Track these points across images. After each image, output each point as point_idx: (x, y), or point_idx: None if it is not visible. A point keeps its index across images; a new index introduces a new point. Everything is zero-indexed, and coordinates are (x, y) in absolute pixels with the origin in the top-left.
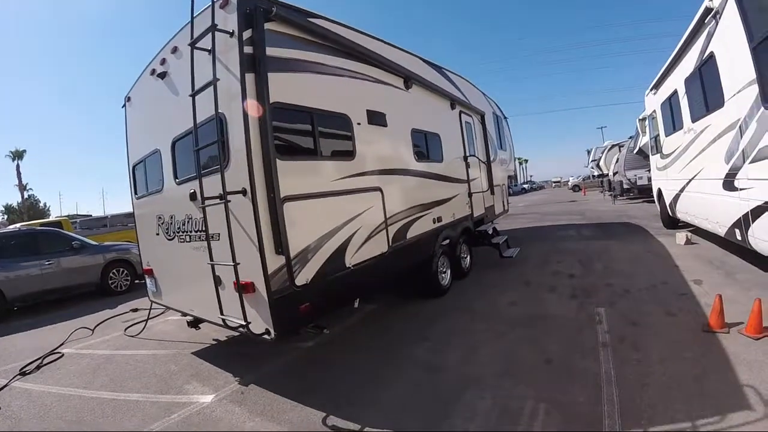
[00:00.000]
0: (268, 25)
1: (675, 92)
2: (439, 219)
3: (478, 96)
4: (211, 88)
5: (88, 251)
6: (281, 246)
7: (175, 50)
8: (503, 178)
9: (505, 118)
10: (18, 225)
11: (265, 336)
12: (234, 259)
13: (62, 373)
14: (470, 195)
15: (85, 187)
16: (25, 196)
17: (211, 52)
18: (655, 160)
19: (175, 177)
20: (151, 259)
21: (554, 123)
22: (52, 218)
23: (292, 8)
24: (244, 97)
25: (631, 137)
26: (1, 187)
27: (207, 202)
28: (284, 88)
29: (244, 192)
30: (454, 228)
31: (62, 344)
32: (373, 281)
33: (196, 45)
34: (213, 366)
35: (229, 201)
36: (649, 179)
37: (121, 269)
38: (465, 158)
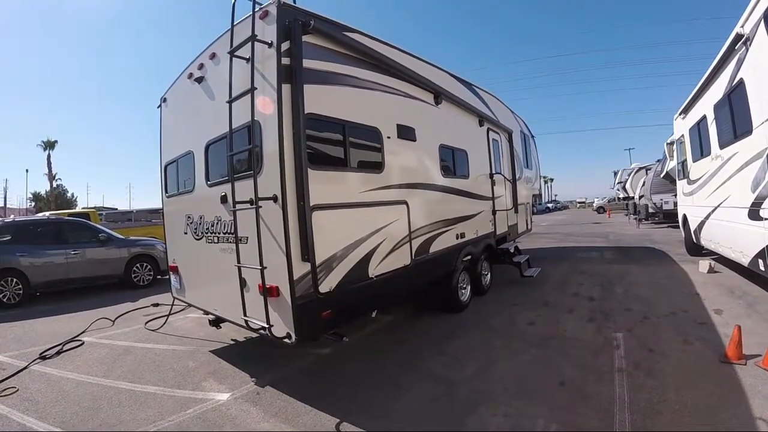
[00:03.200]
0: (305, 38)
1: (704, 118)
2: (462, 235)
3: (506, 113)
4: (248, 96)
5: (113, 244)
6: (308, 253)
7: (213, 56)
8: (528, 197)
9: (533, 136)
10: (47, 213)
11: (286, 340)
12: (261, 263)
13: (82, 360)
14: (494, 212)
15: (112, 181)
16: (54, 185)
17: (250, 61)
18: (681, 185)
19: (207, 179)
20: (177, 257)
21: (582, 142)
22: (79, 209)
23: (329, 22)
24: (279, 106)
25: (658, 160)
26: (32, 176)
27: (238, 206)
28: (319, 99)
29: (275, 198)
30: (476, 245)
31: (83, 332)
32: (395, 293)
33: (235, 53)
34: (230, 365)
35: (260, 206)
36: (675, 204)
37: (145, 264)
38: (491, 175)
